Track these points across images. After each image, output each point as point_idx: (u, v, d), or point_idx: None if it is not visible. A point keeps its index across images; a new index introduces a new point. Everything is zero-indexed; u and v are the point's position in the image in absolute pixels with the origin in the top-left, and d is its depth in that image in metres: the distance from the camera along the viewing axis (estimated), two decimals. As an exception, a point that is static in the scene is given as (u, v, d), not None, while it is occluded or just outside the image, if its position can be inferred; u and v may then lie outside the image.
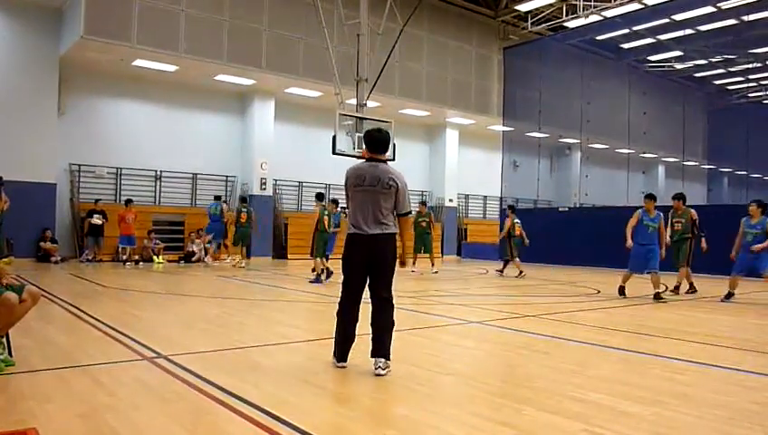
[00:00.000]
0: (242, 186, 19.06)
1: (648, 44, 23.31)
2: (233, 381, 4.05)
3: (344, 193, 4.74)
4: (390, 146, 5.35)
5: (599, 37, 22.04)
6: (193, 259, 16.71)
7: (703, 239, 11.00)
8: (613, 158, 25.61)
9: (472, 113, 22.36)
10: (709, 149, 28.21)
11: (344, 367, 4.53)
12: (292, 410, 3.47)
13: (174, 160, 18.07)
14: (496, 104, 22.41)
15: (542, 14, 21.49)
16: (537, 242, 15.94)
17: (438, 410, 3.63)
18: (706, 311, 8.88)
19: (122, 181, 17.33)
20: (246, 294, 10.18)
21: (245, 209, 15.62)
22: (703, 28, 21.22)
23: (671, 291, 10.61)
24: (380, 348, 4.41)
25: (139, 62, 15.87)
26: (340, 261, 4.68)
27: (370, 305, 4.52)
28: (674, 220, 10.67)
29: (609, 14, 20.11)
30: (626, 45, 23.74)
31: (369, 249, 4.48)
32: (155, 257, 16.14)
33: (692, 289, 10.81)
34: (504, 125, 21.96)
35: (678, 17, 20.22)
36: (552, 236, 18.22)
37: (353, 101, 14.33)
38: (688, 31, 21.47)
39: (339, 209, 13.48)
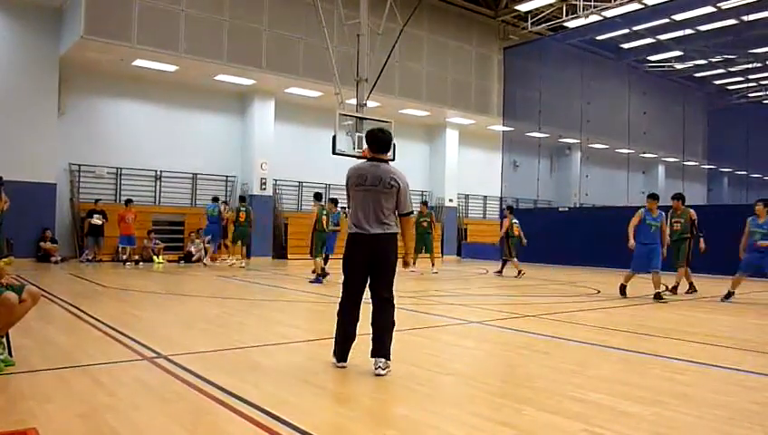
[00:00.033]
0: (242, 186, 19.06)
1: (647, 44, 23.32)
2: (233, 381, 4.05)
3: (345, 192, 4.74)
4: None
5: (599, 37, 22.05)
6: (192, 259, 16.72)
7: (701, 240, 11.00)
8: (613, 158, 25.61)
9: (472, 113, 22.35)
10: (709, 149, 28.22)
11: (344, 367, 4.53)
12: (292, 410, 3.47)
13: (174, 160, 18.07)
14: (496, 104, 22.42)
15: (542, 14, 21.49)
16: (537, 242, 15.95)
17: (438, 410, 3.63)
18: (706, 311, 8.88)
19: (122, 181, 17.33)
20: (246, 294, 10.18)
21: (244, 208, 15.65)
22: (703, 28, 21.22)
23: (669, 291, 10.61)
24: (381, 348, 4.40)
25: (139, 62, 15.88)
26: (341, 261, 4.68)
27: (371, 305, 4.52)
28: (673, 220, 10.68)
29: (609, 14, 20.11)
30: (626, 45, 23.75)
31: (370, 249, 4.47)
32: (155, 257, 16.14)
33: (692, 289, 10.81)
34: (503, 125, 21.97)
35: (678, 17, 20.23)
36: (552, 236, 18.22)
37: (353, 101, 14.33)
38: (688, 31, 21.48)
39: (338, 209, 13.49)
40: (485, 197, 25.99)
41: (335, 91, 14.27)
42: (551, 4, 20.61)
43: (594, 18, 20.65)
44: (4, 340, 4.38)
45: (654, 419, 3.49)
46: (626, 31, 21.74)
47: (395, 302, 4.56)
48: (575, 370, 4.72)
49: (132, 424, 3.24)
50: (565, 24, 21.38)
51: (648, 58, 24.63)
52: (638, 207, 9.99)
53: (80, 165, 16.62)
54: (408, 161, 19.28)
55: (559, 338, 6.13)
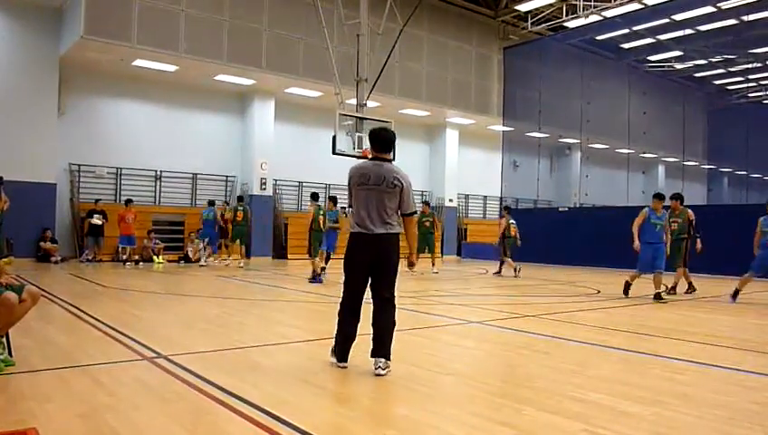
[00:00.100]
0: (242, 186, 19.06)
1: (647, 44, 23.33)
2: (233, 381, 4.05)
3: (345, 192, 4.74)
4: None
5: (599, 37, 22.06)
6: (191, 260, 16.72)
7: (698, 240, 10.98)
8: (613, 158, 25.62)
9: (472, 113, 22.36)
10: (709, 149, 28.22)
11: (344, 367, 4.52)
12: (292, 410, 3.47)
13: (174, 160, 18.07)
14: (496, 104, 22.42)
15: (542, 14, 21.49)
16: (537, 242, 15.96)
17: (438, 410, 3.63)
18: (706, 311, 8.88)
19: (122, 181, 17.33)
20: (246, 294, 10.18)
21: (242, 208, 15.68)
22: (703, 28, 21.23)
23: (668, 291, 10.60)
24: (381, 348, 4.40)
25: (138, 62, 15.87)
26: (342, 261, 4.68)
27: (372, 305, 4.52)
28: (671, 220, 10.66)
29: (609, 14, 20.12)
30: (626, 45, 23.75)
31: (373, 249, 4.45)
32: (155, 257, 16.14)
33: (691, 288, 10.81)
34: (503, 125, 21.97)
35: (678, 17, 20.24)
36: (552, 236, 18.23)
37: (353, 101, 14.33)
38: (688, 31, 21.48)
39: (337, 208, 13.50)
40: (485, 197, 25.99)
41: (335, 91, 14.27)
42: (551, 4, 20.61)
43: (594, 18, 20.65)
44: (4, 340, 4.38)
45: (654, 419, 3.49)
46: (626, 31, 21.75)
47: (396, 302, 4.55)
48: (575, 370, 4.72)
49: (132, 424, 3.23)
50: (565, 24, 21.39)
51: (648, 58, 24.64)
52: (641, 207, 9.94)
53: (80, 165, 16.62)
54: (407, 161, 19.25)
55: (559, 338, 6.13)
